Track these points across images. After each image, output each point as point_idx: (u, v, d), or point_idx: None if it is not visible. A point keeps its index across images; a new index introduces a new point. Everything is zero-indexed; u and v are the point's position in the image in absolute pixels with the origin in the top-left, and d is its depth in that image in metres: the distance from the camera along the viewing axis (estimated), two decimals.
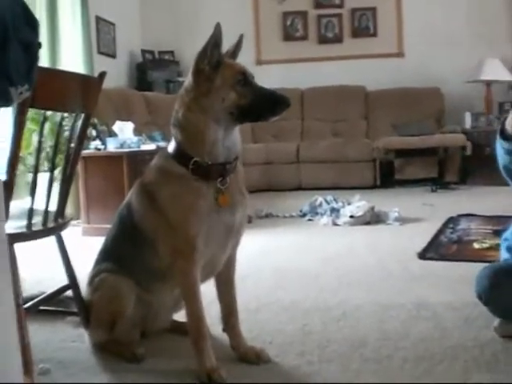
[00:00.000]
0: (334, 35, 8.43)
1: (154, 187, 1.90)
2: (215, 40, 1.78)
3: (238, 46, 1.94)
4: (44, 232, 2.08)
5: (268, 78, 7.60)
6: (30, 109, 1.81)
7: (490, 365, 1.91)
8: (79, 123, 2.19)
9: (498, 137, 1.95)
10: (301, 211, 5.21)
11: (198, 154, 1.84)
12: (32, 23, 1.43)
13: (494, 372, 1.86)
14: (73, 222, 4.78)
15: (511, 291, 2.07)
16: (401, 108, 7.86)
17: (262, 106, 1.82)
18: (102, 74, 2.19)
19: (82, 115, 2.17)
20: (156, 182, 1.91)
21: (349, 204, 4.94)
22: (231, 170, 1.89)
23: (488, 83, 7.65)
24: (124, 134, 4.99)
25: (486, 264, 2.33)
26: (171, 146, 1.90)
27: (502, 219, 4.46)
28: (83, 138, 2.21)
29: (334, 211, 4.89)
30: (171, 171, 1.88)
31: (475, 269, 3.05)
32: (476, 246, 3.65)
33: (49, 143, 4.00)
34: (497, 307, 2.14)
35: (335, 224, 4.70)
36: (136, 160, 4.54)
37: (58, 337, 2.31)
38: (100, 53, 7.20)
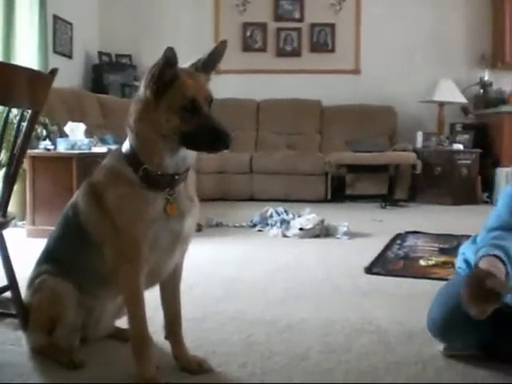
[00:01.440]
0: (293, 49, 8.50)
1: (102, 187, 1.85)
2: (164, 64, 1.67)
3: (213, 54, 1.82)
4: None
5: (225, 88, 7.65)
6: None
7: (432, 381, 1.92)
8: (26, 120, 2.12)
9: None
10: (251, 222, 5.20)
11: (148, 162, 1.79)
12: None
13: None
14: (18, 223, 4.70)
15: (466, 335, 2.03)
16: (355, 124, 7.95)
17: (200, 138, 1.72)
18: (54, 71, 2.13)
19: (30, 112, 2.11)
20: (105, 182, 1.85)
21: (299, 216, 4.95)
22: (181, 181, 1.84)
23: (441, 104, 7.81)
24: (75, 136, 4.90)
25: (440, 286, 2.28)
26: (125, 147, 1.85)
27: (448, 237, 4.55)
28: (30, 135, 2.14)
29: (284, 223, 4.90)
30: (121, 173, 1.82)
31: (421, 285, 3.10)
32: (422, 262, 3.69)
33: None
34: (449, 344, 2.13)
35: (285, 236, 4.70)
36: (86, 162, 4.45)
37: None
38: (56, 52, 7.10)
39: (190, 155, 1.84)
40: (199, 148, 1.77)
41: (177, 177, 1.81)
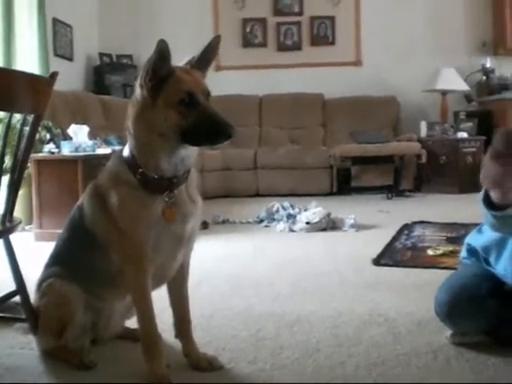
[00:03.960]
0: (293, 43, 8.49)
1: (105, 190, 1.85)
2: (158, 57, 1.65)
3: (207, 50, 1.80)
4: None
5: (227, 84, 7.65)
6: None
7: (442, 371, 1.92)
8: (29, 124, 2.13)
9: (481, 201, 1.90)
10: (258, 217, 5.19)
11: (145, 165, 1.78)
12: None
13: (447, 378, 1.86)
14: (25, 227, 4.71)
15: (471, 317, 2.06)
16: (358, 116, 7.94)
17: (202, 131, 1.69)
18: (54, 74, 2.13)
19: (32, 116, 2.11)
20: (107, 185, 1.85)
21: (305, 210, 4.95)
22: (180, 183, 1.83)
23: (443, 92, 7.79)
24: (79, 138, 4.91)
25: (447, 274, 2.29)
26: (126, 151, 1.84)
27: (456, 226, 4.54)
28: (33, 139, 2.15)
29: (291, 217, 4.89)
30: (121, 177, 1.82)
31: (429, 275, 3.10)
32: (430, 252, 3.69)
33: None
34: (455, 328, 2.14)
35: (291, 230, 4.70)
36: (91, 164, 4.47)
37: (6, 343, 2.23)
38: (56, 55, 7.11)
39: (189, 156, 1.82)
40: (201, 142, 1.74)
41: (175, 180, 1.80)
